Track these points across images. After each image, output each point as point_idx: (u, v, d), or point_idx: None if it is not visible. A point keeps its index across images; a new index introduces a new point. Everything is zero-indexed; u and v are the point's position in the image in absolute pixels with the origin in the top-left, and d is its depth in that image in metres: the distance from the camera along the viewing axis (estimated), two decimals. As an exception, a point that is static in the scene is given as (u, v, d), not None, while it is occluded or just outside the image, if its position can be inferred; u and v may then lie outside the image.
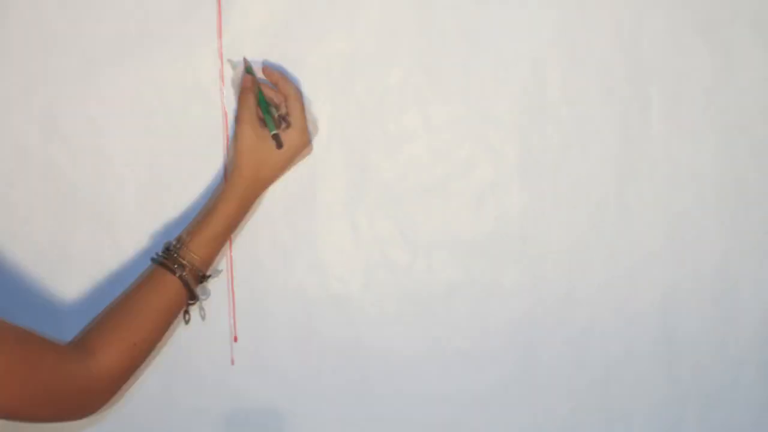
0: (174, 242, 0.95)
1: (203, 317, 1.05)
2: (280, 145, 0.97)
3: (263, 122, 1.00)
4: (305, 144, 1.02)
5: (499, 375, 1.10)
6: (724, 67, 1.07)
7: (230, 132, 1.05)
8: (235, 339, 1.09)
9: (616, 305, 1.09)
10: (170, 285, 0.92)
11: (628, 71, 1.06)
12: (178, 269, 0.92)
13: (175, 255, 0.93)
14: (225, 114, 1.06)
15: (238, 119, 0.99)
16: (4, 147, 1.05)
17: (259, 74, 1.03)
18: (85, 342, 0.84)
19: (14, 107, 1.05)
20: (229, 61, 1.04)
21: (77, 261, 1.07)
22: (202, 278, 0.97)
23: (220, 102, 1.05)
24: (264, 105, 1.00)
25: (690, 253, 1.09)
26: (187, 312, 0.99)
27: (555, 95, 1.07)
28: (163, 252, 0.94)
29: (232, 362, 1.09)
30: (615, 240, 1.08)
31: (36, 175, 1.06)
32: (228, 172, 1.03)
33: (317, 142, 1.06)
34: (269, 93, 1.02)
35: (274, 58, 1.05)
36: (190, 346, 1.08)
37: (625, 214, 1.08)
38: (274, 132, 0.98)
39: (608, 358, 1.10)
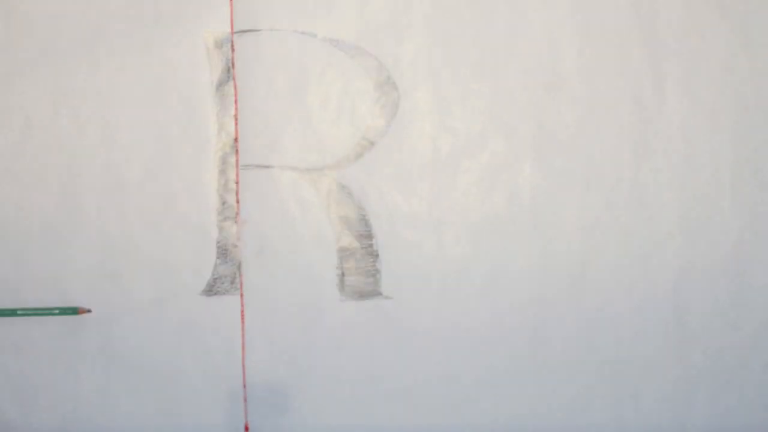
0: None
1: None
2: None
3: None
4: None
5: (508, 355, 1.09)
6: (741, 44, 1.05)
7: (240, 103, 1.04)
8: (243, 316, 1.08)
9: (629, 286, 1.08)
10: None
11: (644, 48, 1.05)
12: None
13: None
14: (235, 85, 1.04)
15: None
16: (12, 118, 1.05)
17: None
18: None
19: (23, 78, 1.04)
20: None
21: (83, 232, 1.06)
22: None
23: (231, 72, 1.04)
24: None
25: (704, 234, 1.07)
26: None
27: (569, 72, 1.05)
28: None
29: (241, 339, 1.08)
30: (628, 219, 1.07)
31: (43, 145, 1.05)
32: None
33: (326, 117, 1.05)
34: None
35: (285, 30, 1.04)
36: (199, 324, 1.07)
37: (639, 193, 1.06)
38: None
39: (619, 339, 1.08)
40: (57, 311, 1.04)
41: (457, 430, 1.09)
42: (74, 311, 1.04)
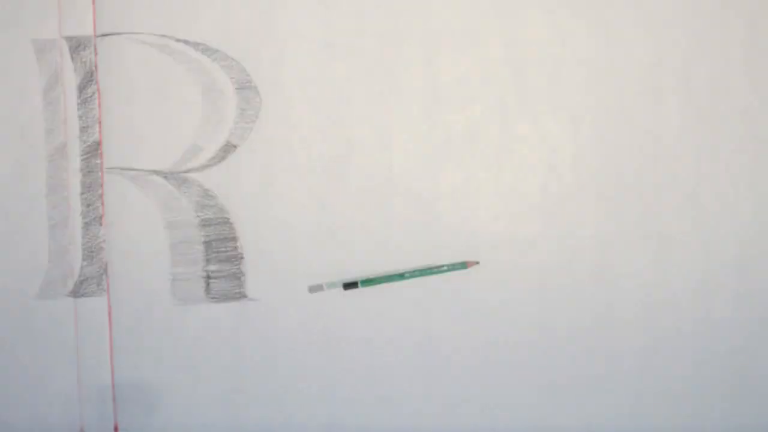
0: None
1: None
2: None
3: None
4: None
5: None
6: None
7: (102, 107, 1.05)
8: (110, 317, 1.08)
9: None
10: None
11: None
12: None
13: None
14: (98, 88, 1.05)
15: None
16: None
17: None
18: None
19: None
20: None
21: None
22: None
23: (95, 75, 1.04)
24: None
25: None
26: None
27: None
28: None
29: (109, 340, 1.08)
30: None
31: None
32: None
33: (189, 120, 1.06)
34: None
35: (146, 34, 1.04)
36: (66, 326, 1.08)
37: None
38: None
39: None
40: (445, 268, 1.05)
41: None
42: (463, 266, 1.05)
